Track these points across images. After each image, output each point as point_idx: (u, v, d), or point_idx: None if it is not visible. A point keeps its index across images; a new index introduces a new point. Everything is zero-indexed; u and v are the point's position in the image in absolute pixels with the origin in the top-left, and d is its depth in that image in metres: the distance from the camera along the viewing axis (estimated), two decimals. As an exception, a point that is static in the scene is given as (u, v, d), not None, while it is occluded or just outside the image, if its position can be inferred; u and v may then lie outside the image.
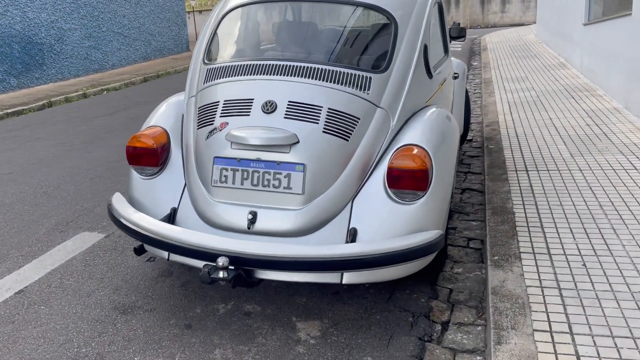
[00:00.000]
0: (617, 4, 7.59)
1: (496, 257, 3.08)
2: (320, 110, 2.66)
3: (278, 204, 2.60)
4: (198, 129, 2.84)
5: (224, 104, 2.79)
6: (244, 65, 2.89)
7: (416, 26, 3.06)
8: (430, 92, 3.18)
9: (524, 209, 3.72)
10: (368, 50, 3.02)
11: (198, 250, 2.42)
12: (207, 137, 2.75)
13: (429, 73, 3.20)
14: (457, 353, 2.49)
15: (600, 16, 8.28)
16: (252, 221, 2.59)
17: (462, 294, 2.98)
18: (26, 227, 4.10)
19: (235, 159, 2.65)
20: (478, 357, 2.46)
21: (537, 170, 4.46)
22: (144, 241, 2.61)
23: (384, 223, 2.58)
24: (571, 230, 3.35)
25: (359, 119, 2.69)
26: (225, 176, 2.67)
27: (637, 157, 4.56)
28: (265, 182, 2.61)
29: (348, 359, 2.46)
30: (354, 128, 2.67)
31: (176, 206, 2.81)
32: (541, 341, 2.34)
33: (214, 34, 3.22)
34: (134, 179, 2.96)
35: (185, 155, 2.89)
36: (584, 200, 3.78)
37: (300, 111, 2.66)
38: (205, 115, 2.83)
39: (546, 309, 2.56)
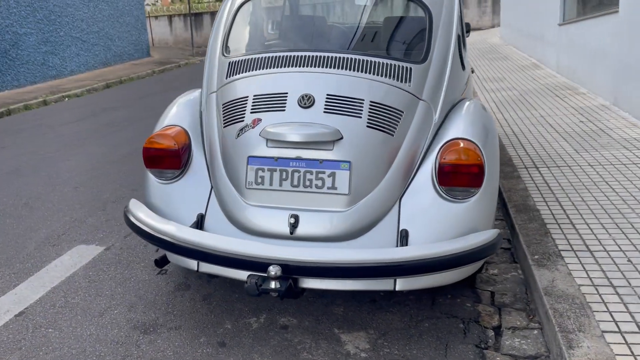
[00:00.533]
0: (593, 4, 7.71)
1: (536, 256, 2.95)
2: (362, 103, 2.47)
3: (322, 206, 2.38)
4: (225, 127, 2.59)
5: (254, 99, 2.55)
6: (272, 57, 2.66)
7: (449, 16, 2.91)
8: (463, 84, 3.03)
9: (547, 206, 3.61)
10: (404, 41, 2.85)
11: (243, 260, 2.18)
12: (238, 135, 2.51)
13: (462, 65, 3.06)
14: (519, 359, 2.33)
15: (575, 16, 8.40)
16: (294, 225, 2.36)
17: (506, 297, 2.83)
18: (12, 242, 3.72)
19: (273, 158, 2.42)
20: (543, 363, 2.30)
21: (548, 167, 4.39)
22: (173, 250, 2.35)
23: (436, 223, 2.40)
24: (603, 226, 3.25)
25: (402, 112, 2.51)
26: (262, 177, 2.43)
27: (643, 152, 4.56)
28: (307, 183, 2.39)
29: (408, 372, 2.26)
30: (399, 122, 2.49)
31: (203, 212, 2.55)
32: (614, 343, 2.20)
33: (232, 24, 2.98)
34: (152, 183, 2.69)
35: (210, 155, 2.64)
36: (605, 195, 3.71)
37: (341, 105, 2.45)
38: (233, 111, 2.59)
39: (608, 309, 2.43)
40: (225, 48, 2.90)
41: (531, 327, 2.56)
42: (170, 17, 29.48)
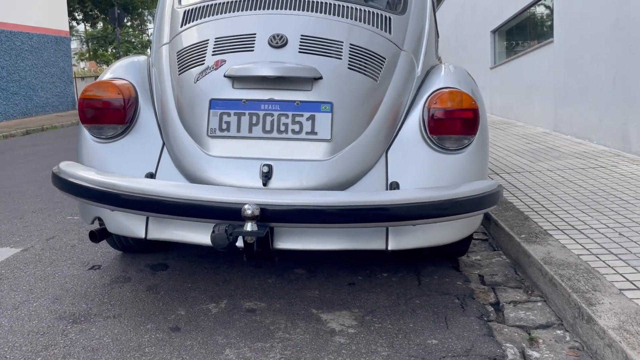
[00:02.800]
0: (520, 46, 8.08)
1: (523, 235, 2.69)
2: (342, 45, 2.19)
3: (300, 154, 2.03)
4: (180, 74, 2.22)
5: (216, 41, 2.21)
6: (236, 0, 2.36)
7: None
8: (437, 51, 2.84)
9: (519, 199, 3.42)
10: (381, -9, 2.64)
11: (209, 206, 1.77)
12: (197, 80, 2.14)
13: (437, 30, 2.88)
14: (531, 330, 2.01)
15: (505, 59, 8.77)
16: (267, 176, 1.98)
17: (497, 277, 2.53)
18: None
19: (240, 100, 2.06)
20: (558, 331, 1.99)
21: (509, 173, 4.26)
22: (118, 204, 1.89)
23: (429, 176, 2.10)
24: (580, 210, 3.08)
25: (384, 58, 2.25)
26: (227, 123, 2.06)
27: (597, 160, 4.55)
28: (282, 128, 2.04)
29: (409, 344, 1.87)
30: (381, 68, 2.22)
31: (153, 171, 2.12)
32: (637, 298, 1.94)
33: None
34: (88, 143, 2.23)
35: (161, 109, 2.24)
36: (573, 189, 3.58)
37: (318, 46, 2.17)
38: (190, 56, 2.23)
39: (617, 271, 2.18)
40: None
41: (533, 300, 2.26)
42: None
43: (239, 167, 2.02)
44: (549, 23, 6.41)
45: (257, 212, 1.69)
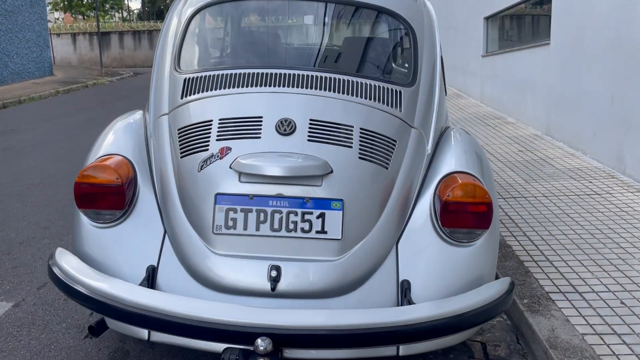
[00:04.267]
0: (514, 39, 7.94)
1: (525, 300, 2.69)
2: (352, 130, 2.09)
3: (309, 254, 1.96)
4: (182, 157, 2.11)
5: (220, 123, 2.10)
6: (240, 74, 2.23)
7: (431, 36, 2.62)
8: (447, 110, 2.75)
9: (517, 241, 3.41)
10: (390, 61, 2.53)
11: (218, 329, 1.70)
12: (201, 168, 2.04)
13: (445, 89, 2.78)
14: None
15: (497, 49, 8.63)
16: (276, 279, 1.92)
17: (500, 349, 2.53)
18: None
19: (247, 195, 1.97)
20: None
21: (504, 198, 4.23)
22: (120, 318, 1.82)
23: (441, 271, 2.05)
24: (581, 263, 3.08)
25: (395, 141, 2.16)
26: (234, 220, 1.97)
27: (591, 182, 4.54)
28: (291, 226, 1.96)
29: None
30: (392, 152, 2.14)
31: (155, 264, 2.03)
32: (645, 405, 1.95)
33: (185, 34, 2.50)
34: (84, 228, 2.13)
35: (162, 192, 2.14)
36: (571, 228, 3.57)
37: (328, 132, 2.07)
38: (193, 139, 2.11)
39: (622, 361, 2.19)
40: (177, 62, 2.42)
41: (538, 386, 2.26)
42: (74, 35, 27.76)
43: (246, 267, 1.95)
44: (547, 23, 6.29)
45: (270, 348, 1.64)
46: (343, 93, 2.19)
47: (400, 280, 2.01)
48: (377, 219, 2.04)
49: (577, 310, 2.58)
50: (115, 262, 2.06)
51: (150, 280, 2.00)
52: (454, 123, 7.53)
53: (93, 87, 15.34)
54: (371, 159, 2.07)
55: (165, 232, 2.09)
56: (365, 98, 2.20)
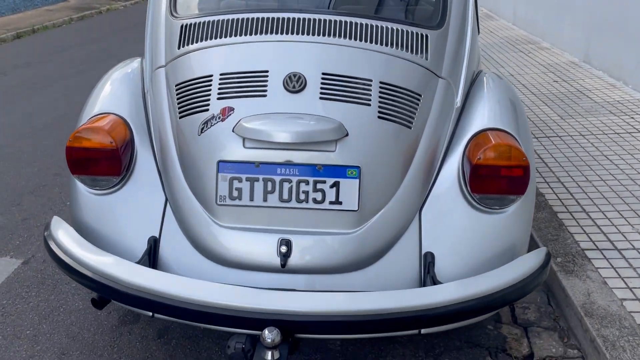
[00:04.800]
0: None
1: (559, 259, 2.50)
2: (370, 85, 1.84)
3: (323, 226, 1.78)
4: (181, 117, 1.90)
5: (221, 79, 1.86)
6: (242, 19, 1.96)
7: None
8: (479, 52, 2.45)
9: (551, 188, 3.17)
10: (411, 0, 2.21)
11: (223, 314, 1.56)
12: (202, 131, 1.83)
13: (478, 27, 2.46)
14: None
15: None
16: (286, 254, 1.75)
17: (529, 311, 2.37)
18: None
19: (253, 163, 1.77)
20: (598, 409, 1.87)
21: (537, 138, 3.94)
22: (120, 299, 1.69)
23: (468, 241, 1.86)
24: (620, 214, 2.84)
25: (420, 95, 1.91)
26: (239, 190, 1.78)
27: (633, 118, 4.20)
28: (302, 196, 1.77)
29: None
30: (416, 109, 1.89)
31: (157, 235, 1.88)
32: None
33: (181, -28, 2.21)
34: (81, 195, 1.97)
35: (162, 156, 1.95)
36: (610, 173, 3.31)
37: (343, 87, 1.82)
38: (192, 96, 1.89)
39: (665, 334, 2.02)
40: (174, 5, 2.15)
41: (569, 356, 2.12)
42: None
43: (254, 240, 1.78)
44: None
45: (278, 339, 1.49)
46: (360, 40, 1.91)
47: (423, 252, 1.83)
48: (398, 186, 1.83)
49: (616, 271, 2.39)
50: (115, 232, 1.91)
51: (152, 252, 1.86)
52: (483, 48, 7.07)
53: (107, 13, 14.86)
54: (392, 117, 1.83)
55: (166, 199, 1.92)
56: (386, 45, 1.93)
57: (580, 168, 3.41)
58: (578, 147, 3.73)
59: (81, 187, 1.97)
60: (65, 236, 1.83)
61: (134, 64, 2.32)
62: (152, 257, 1.84)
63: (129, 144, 1.96)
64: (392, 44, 1.94)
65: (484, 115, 2.01)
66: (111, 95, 2.11)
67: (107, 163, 1.91)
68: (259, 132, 1.72)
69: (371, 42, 1.92)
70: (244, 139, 1.77)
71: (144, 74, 2.16)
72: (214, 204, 1.79)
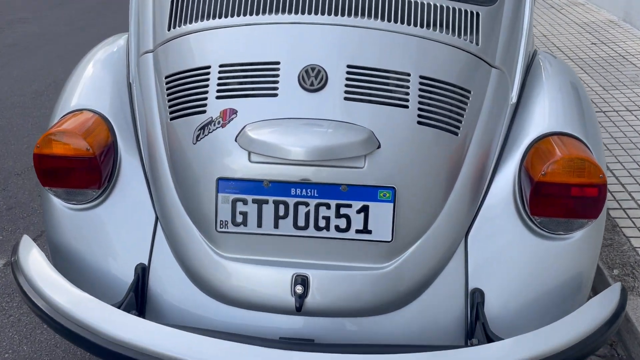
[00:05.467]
0: None
1: (615, 271, 2.16)
2: (408, 81, 1.46)
3: (346, 259, 1.45)
4: (172, 119, 1.54)
5: (221, 72, 1.49)
6: (248, -7, 1.56)
7: None
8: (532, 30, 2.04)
9: (599, 177, 2.79)
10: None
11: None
12: (198, 138, 1.47)
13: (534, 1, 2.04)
14: None
15: None
16: (302, 294, 1.42)
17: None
18: None
19: (261, 181, 1.42)
20: None
21: (578, 113, 3.53)
22: (96, 353, 1.38)
23: (525, 275, 1.53)
24: (682, 212, 2.48)
25: (469, 92, 1.53)
26: (243, 214, 1.44)
27: (685, 90, 3.76)
28: (322, 223, 1.43)
29: None
30: (465, 109, 1.51)
31: (146, 262, 1.56)
32: None
33: None
34: (56, 210, 1.64)
35: (150, 164, 1.60)
36: (665, 159, 2.93)
37: (373, 85, 1.44)
38: (185, 93, 1.52)
39: None
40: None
41: (633, 395, 1.81)
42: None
43: (262, 276, 1.46)
44: None
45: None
46: (395, 21, 1.52)
47: (470, 289, 1.49)
48: (440, 208, 1.48)
49: (684, 289, 2.06)
50: (96, 257, 1.59)
51: (141, 284, 1.54)
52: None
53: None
54: (436, 122, 1.46)
55: (156, 217, 1.59)
56: (427, 27, 1.53)
57: (630, 152, 3.02)
58: (625, 125, 3.33)
59: (55, 201, 1.63)
60: (34, 266, 1.51)
61: (121, 42, 1.94)
62: (140, 292, 1.53)
63: (111, 148, 1.62)
64: (434, 25, 1.54)
65: (544, 113, 1.63)
66: (90, 86, 1.75)
67: (83, 173, 1.56)
68: (267, 146, 1.36)
69: (408, 23, 1.52)
70: (249, 153, 1.41)
71: (129, 59, 1.79)
72: (213, 230, 1.46)
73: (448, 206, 1.49)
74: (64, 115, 1.66)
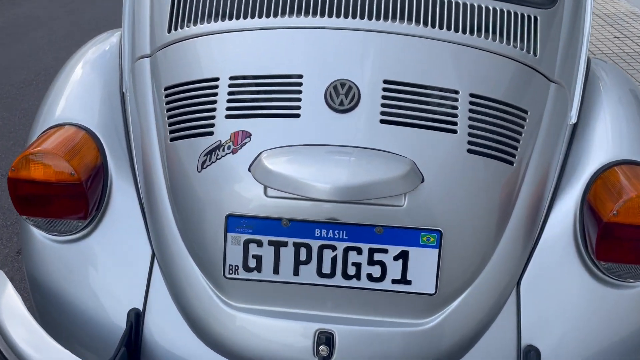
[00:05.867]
0: None
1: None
2: (457, 100, 1.22)
3: (380, 314, 1.22)
4: (172, 139, 1.29)
5: (231, 85, 1.24)
6: (264, -9, 1.31)
7: None
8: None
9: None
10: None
11: None
12: (203, 165, 1.23)
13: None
14: None
15: None
16: (327, 357, 1.19)
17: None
18: None
19: (280, 220, 1.18)
20: None
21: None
22: None
23: (587, 329, 1.30)
24: None
25: (526, 112, 1.29)
26: (257, 258, 1.20)
27: None
28: (351, 271, 1.19)
29: None
30: (521, 134, 1.27)
31: (140, 307, 1.32)
32: None
33: None
34: (35, 242, 1.40)
35: (147, 190, 1.36)
36: None
37: (415, 105, 1.20)
38: (187, 109, 1.28)
39: None
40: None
41: None
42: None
43: (278, 331, 1.23)
44: None
45: None
46: (440, 27, 1.27)
47: (523, 347, 1.27)
48: (491, 253, 1.25)
49: None
50: (81, 299, 1.36)
51: (134, 334, 1.31)
52: None
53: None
54: (489, 150, 1.22)
55: (153, 254, 1.35)
56: (479, 35, 1.29)
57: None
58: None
59: (35, 232, 1.40)
60: (7, 313, 1.27)
61: (114, 40, 1.68)
62: (134, 344, 1.29)
63: (100, 171, 1.37)
64: (486, 32, 1.30)
65: (607, 136, 1.40)
66: (76, 96, 1.49)
67: (67, 201, 1.32)
68: (287, 180, 1.12)
69: (456, 30, 1.28)
70: (265, 187, 1.17)
71: (122, 63, 1.53)
72: (221, 275, 1.22)
73: (500, 250, 1.26)
74: (44, 131, 1.41)
